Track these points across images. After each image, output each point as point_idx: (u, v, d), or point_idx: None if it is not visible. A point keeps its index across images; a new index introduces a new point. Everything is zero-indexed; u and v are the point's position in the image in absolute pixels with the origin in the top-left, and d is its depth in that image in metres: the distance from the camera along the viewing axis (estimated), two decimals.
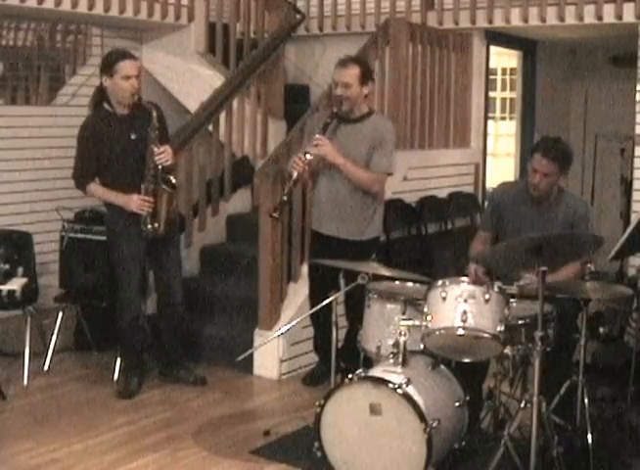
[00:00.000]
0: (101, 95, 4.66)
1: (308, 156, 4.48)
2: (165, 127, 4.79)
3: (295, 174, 4.47)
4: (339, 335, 4.27)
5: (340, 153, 4.55)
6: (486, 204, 4.66)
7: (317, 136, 4.52)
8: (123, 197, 4.61)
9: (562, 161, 4.10)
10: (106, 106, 4.65)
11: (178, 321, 5.00)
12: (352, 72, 4.57)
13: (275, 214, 4.62)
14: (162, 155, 4.57)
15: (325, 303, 4.13)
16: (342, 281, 4.28)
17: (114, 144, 4.61)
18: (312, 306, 4.75)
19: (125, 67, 4.54)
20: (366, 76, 4.63)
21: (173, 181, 4.63)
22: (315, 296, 4.80)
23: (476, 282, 3.73)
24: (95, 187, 4.70)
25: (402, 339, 3.70)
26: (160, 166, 4.58)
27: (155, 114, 4.58)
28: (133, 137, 4.59)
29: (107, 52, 4.91)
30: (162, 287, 4.94)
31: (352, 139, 4.62)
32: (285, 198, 4.54)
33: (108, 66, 4.57)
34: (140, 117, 4.61)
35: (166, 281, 4.90)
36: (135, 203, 4.58)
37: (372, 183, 4.61)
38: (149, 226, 4.62)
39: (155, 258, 4.88)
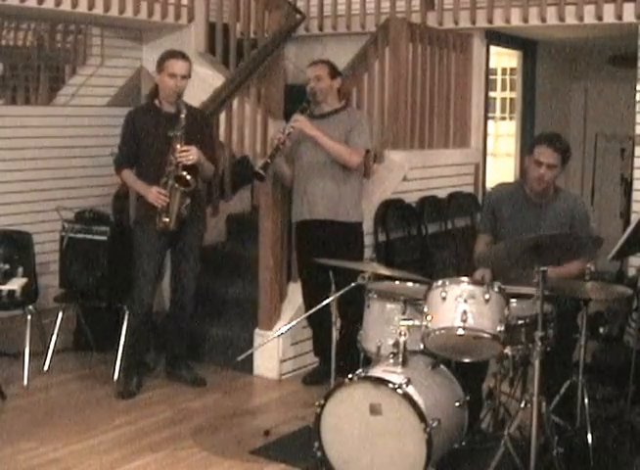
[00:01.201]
0: (156, 90, 4.85)
1: (288, 129, 4.80)
2: (205, 133, 4.92)
3: (276, 141, 4.75)
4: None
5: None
6: (485, 206, 4.66)
7: (295, 115, 4.85)
8: (145, 187, 4.73)
9: (564, 152, 4.13)
10: (156, 101, 4.82)
11: (186, 319, 5.04)
12: (322, 67, 4.98)
13: (260, 171, 4.73)
14: (184, 153, 4.64)
15: (324, 303, 4.13)
16: (332, 276, 4.27)
17: (151, 137, 4.76)
18: (307, 306, 4.78)
19: (172, 64, 4.72)
20: (334, 72, 4.99)
21: (188, 179, 4.66)
22: (309, 295, 4.83)
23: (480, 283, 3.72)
24: (127, 174, 4.87)
25: (402, 339, 3.70)
26: (180, 164, 4.64)
27: (184, 114, 4.66)
28: (170, 134, 4.68)
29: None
30: (178, 287, 4.99)
31: (329, 130, 4.84)
32: (269, 160, 4.73)
33: (159, 62, 4.78)
34: (185, 117, 4.69)
35: (182, 281, 4.95)
36: (152, 194, 4.68)
37: (349, 154, 4.81)
38: (161, 220, 4.70)
39: (175, 255, 4.95)
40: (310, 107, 4.93)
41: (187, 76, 4.77)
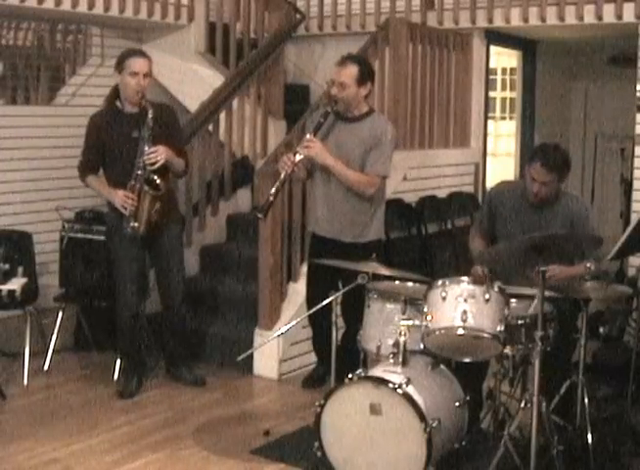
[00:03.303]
0: (116, 92, 4.72)
1: (298, 156, 4.39)
2: (173, 128, 4.79)
3: (283, 174, 4.40)
4: (337, 335, 4.27)
5: (332, 153, 4.48)
6: (484, 203, 4.65)
7: (308, 137, 4.46)
8: (111, 192, 4.63)
9: (560, 169, 4.04)
10: (117, 103, 4.71)
11: (178, 323, 5.00)
12: (350, 72, 4.47)
13: (260, 215, 4.49)
14: (152, 155, 4.53)
15: (324, 303, 4.13)
16: (340, 284, 4.24)
17: (114, 140, 4.64)
18: (309, 307, 4.74)
19: (132, 63, 4.60)
20: (364, 77, 4.51)
21: (158, 182, 4.56)
22: (313, 296, 4.79)
23: (479, 282, 3.71)
24: (92, 179, 4.76)
25: (402, 339, 3.70)
26: (148, 167, 4.54)
27: (151, 114, 4.55)
28: (135, 135, 4.59)
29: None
30: (163, 289, 4.94)
31: (349, 139, 4.55)
32: (271, 198, 4.38)
33: (119, 61, 4.67)
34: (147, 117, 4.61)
35: (167, 283, 4.89)
36: (119, 198, 4.57)
37: (364, 185, 4.51)
38: (130, 224, 4.58)
39: (155, 259, 4.88)
40: (328, 118, 4.47)
41: (149, 74, 4.64)
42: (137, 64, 4.60)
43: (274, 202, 4.47)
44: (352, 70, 4.48)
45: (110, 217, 4.80)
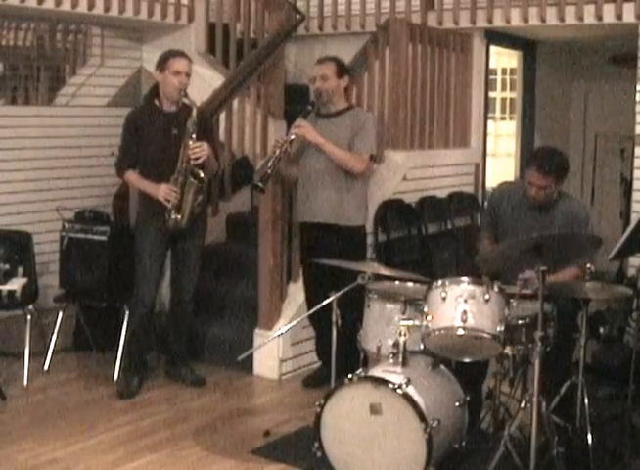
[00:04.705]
0: (154, 91, 4.85)
1: (290, 136, 4.68)
2: (210, 129, 4.93)
3: (277, 151, 4.63)
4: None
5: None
6: (486, 205, 4.66)
7: (297, 120, 4.72)
8: (153, 186, 4.71)
9: (557, 173, 4.07)
10: (156, 101, 4.80)
11: (186, 319, 5.04)
12: (329, 66, 4.82)
13: (260, 183, 4.64)
14: (197, 149, 4.63)
15: (324, 303, 4.13)
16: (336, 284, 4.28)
17: (153, 137, 4.74)
18: (310, 307, 4.75)
19: (176, 63, 4.71)
20: (342, 70, 4.85)
21: (202, 176, 4.67)
22: (312, 296, 4.82)
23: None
24: (131, 174, 4.85)
25: (402, 339, 3.70)
26: (191, 160, 4.64)
27: (195, 111, 4.66)
28: (175, 132, 4.69)
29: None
30: (177, 284, 4.99)
31: (332, 133, 4.76)
32: (269, 171, 4.60)
33: (161, 61, 4.77)
34: (185, 116, 4.68)
35: (182, 279, 4.96)
36: (163, 191, 4.66)
37: (353, 161, 4.71)
38: (172, 217, 4.68)
39: (177, 255, 4.95)
40: (315, 108, 4.81)
41: (189, 74, 4.77)
42: (180, 63, 4.72)
43: (272, 175, 4.66)
44: (330, 65, 4.84)
45: (140, 213, 4.89)
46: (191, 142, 4.63)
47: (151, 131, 4.76)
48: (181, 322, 5.04)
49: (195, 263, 4.97)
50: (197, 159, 4.63)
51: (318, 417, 3.68)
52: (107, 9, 6.10)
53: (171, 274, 5.07)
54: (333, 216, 4.79)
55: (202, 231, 5.01)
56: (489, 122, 7.58)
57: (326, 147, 4.69)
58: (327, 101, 4.81)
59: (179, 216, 4.69)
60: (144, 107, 4.95)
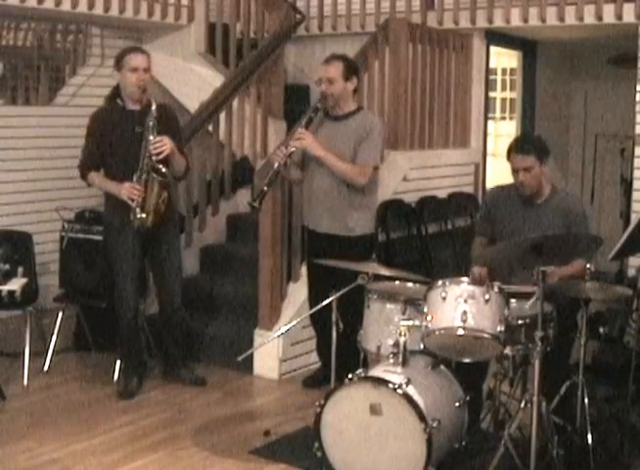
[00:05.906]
0: (116, 91, 4.74)
1: (290, 148, 4.51)
2: (174, 127, 4.81)
3: (276, 165, 4.51)
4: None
5: (323, 146, 4.56)
6: (481, 208, 4.67)
7: (299, 130, 4.57)
8: (116, 185, 4.62)
9: (536, 151, 4.12)
10: (118, 101, 4.73)
11: (177, 324, 5.00)
12: (336, 68, 4.61)
13: (255, 204, 4.54)
14: (158, 144, 4.53)
15: (324, 303, 4.13)
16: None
17: (117, 136, 4.66)
18: (312, 307, 4.74)
19: (132, 59, 4.62)
20: (350, 71, 4.64)
21: (164, 171, 4.56)
22: (314, 296, 4.79)
23: (478, 283, 3.72)
24: (94, 176, 4.76)
25: (402, 339, 3.70)
26: (153, 156, 4.54)
27: (154, 105, 4.57)
28: (139, 131, 4.60)
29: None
30: (161, 290, 4.94)
31: (338, 136, 4.63)
32: (265, 188, 4.49)
33: (118, 59, 4.69)
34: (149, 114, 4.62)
35: (164, 285, 4.89)
36: (125, 190, 4.56)
37: (355, 175, 4.57)
38: (138, 216, 4.57)
39: (153, 261, 4.88)
40: (318, 114, 4.63)
41: (148, 70, 4.66)
42: (136, 59, 4.63)
43: (268, 192, 4.57)
44: (338, 66, 4.62)
45: (108, 216, 4.80)
46: (152, 137, 4.53)
47: (114, 130, 4.66)
48: (173, 324, 4.99)
49: (177, 268, 4.89)
50: (159, 154, 4.52)
51: (318, 417, 3.68)
52: (107, 9, 6.10)
53: (153, 278, 4.98)
54: (339, 228, 4.67)
55: (173, 233, 4.90)
56: (489, 122, 7.57)
57: (327, 160, 4.55)
58: (333, 105, 4.64)
59: (144, 215, 4.57)
60: (107, 107, 4.80)
